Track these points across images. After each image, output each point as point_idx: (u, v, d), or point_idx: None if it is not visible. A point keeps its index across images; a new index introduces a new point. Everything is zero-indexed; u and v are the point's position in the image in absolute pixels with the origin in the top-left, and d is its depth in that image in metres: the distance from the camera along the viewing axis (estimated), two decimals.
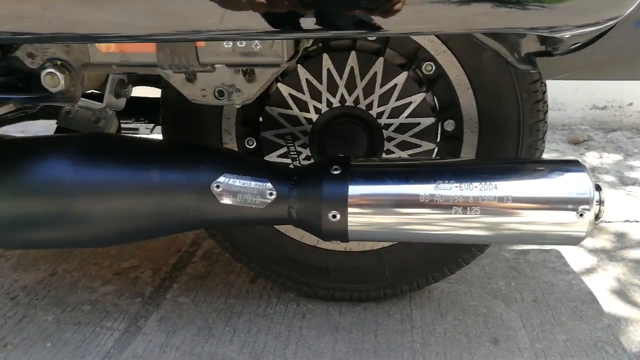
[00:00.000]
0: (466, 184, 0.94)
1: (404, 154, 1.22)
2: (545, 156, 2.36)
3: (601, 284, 1.50)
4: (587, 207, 0.92)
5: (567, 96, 2.82)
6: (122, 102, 1.26)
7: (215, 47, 0.80)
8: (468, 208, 0.94)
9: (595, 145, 2.64)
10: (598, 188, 0.97)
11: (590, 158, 2.51)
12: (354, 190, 0.97)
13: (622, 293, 1.46)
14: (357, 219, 0.97)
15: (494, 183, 0.94)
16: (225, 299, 1.46)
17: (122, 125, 1.65)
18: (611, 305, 1.40)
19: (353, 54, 1.15)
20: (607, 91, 2.81)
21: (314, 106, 1.20)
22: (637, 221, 1.88)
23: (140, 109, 1.58)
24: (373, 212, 0.97)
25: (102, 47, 0.82)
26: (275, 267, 1.37)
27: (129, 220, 1.01)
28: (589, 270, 1.57)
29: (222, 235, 1.35)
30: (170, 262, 1.67)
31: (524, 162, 1.01)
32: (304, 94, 1.19)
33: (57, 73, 0.99)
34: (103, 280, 1.57)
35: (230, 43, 0.79)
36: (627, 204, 2.04)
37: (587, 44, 0.94)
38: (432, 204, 0.95)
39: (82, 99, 1.22)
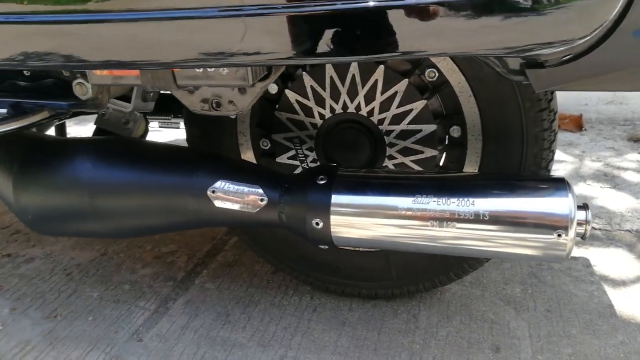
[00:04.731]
0: (444, 199, 0.96)
1: (407, 160, 1.24)
2: (593, 155, 2.22)
3: (626, 297, 1.44)
4: (565, 228, 0.90)
5: None
6: (149, 105, 1.37)
7: (188, 71, 0.87)
8: (444, 222, 0.95)
9: None
10: (585, 207, 0.95)
11: None
12: (337, 199, 1.01)
13: None
14: (340, 227, 1.02)
15: (471, 199, 0.95)
16: (246, 288, 1.56)
17: (164, 121, 1.79)
18: (631, 321, 1.35)
19: (355, 62, 1.18)
20: None
21: (318, 112, 1.25)
22: None
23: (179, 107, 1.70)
24: (354, 221, 1.01)
25: (97, 71, 0.92)
26: (289, 262, 1.45)
27: (138, 217, 1.12)
28: (616, 282, 1.50)
29: (241, 229, 1.45)
30: (204, 249, 1.80)
31: (507, 179, 1.00)
32: (309, 100, 1.24)
33: (85, 83, 1.12)
34: (144, 262, 1.73)
35: (201, 69, 0.86)
36: None
37: (579, 56, 0.91)
38: (409, 216, 0.97)
39: (116, 101, 1.34)
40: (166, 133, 2.99)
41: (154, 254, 1.78)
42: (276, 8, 0.75)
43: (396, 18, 0.72)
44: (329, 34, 0.75)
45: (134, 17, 0.76)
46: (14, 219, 2.12)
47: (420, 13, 0.72)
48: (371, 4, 0.71)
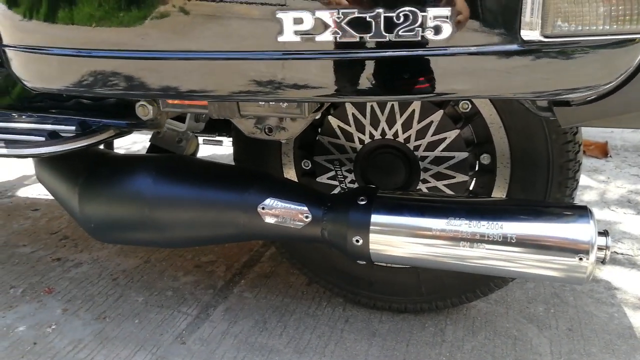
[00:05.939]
0: (475, 222, 1.05)
1: (440, 184, 1.34)
2: (618, 182, 2.31)
3: None
4: (586, 252, 0.99)
5: None
6: (201, 126, 1.49)
7: (252, 103, 0.99)
8: (475, 243, 1.05)
9: None
10: (605, 234, 1.03)
11: None
12: (376, 219, 1.11)
13: None
14: (378, 245, 1.12)
15: (500, 223, 1.04)
16: (282, 298, 1.67)
17: (208, 139, 1.91)
18: None
19: None
20: None
21: (358, 137, 1.35)
22: None
23: (224, 126, 1.82)
24: (391, 239, 1.11)
25: (169, 100, 1.04)
26: (324, 275, 1.55)
27: (193, 230, 1.24)
28: (637, 305, 1.56)
29: (280, 242, 1.55)
30: (242, 260, 1.91)
31: (533, 205, 1.09)
32: (350, 126, 1.35)
33: (147, 105, 1.24)
34: (185, 271, 1.85)
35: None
36: None
37: (602, 97, 1.00)
38: (442, 237, 1.07)
39: (171, 121, 1.47)
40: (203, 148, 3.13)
41: (194, 263, 1.90)
42: (332, 53, 0.86)
43: (441, 65, 0.83)
44: (377, 76, 0.86)
45: (211, 57, 0.88)
46: (62, 225, 2.27)
47: (460, 62, 0.82)
48: (418, 52, 0.81)
